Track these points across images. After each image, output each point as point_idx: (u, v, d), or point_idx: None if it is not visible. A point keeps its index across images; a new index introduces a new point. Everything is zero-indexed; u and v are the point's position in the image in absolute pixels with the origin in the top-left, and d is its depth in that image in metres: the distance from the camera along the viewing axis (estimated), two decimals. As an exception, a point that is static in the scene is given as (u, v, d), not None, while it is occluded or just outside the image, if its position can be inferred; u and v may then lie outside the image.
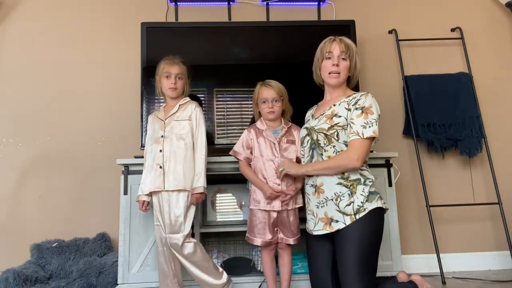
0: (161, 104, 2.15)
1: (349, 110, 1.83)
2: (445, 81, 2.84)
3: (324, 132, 1.83)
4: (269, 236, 1.98)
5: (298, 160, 2.04)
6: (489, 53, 3.01)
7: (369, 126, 1.77)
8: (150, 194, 2.05)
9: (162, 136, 2.04)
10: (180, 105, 2.10)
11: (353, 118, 1.80)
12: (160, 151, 2.01)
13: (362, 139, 1.76)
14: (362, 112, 1.79)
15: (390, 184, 2.42)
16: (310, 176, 1.89)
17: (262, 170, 2.02)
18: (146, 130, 2.45)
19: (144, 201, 2.05)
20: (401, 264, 2.35)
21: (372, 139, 1.79)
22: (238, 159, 2.12)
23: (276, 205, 1.97)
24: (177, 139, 2.02)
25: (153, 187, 2.00)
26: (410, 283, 1.86)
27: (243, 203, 2.57)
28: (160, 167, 2.00)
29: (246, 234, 2.05)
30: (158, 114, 2.12)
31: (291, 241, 2.01)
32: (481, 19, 3.05)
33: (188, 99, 2.15)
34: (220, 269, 2.05)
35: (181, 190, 1.98)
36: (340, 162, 1.78)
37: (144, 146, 2.49)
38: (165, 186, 1.98)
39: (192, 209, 2.01)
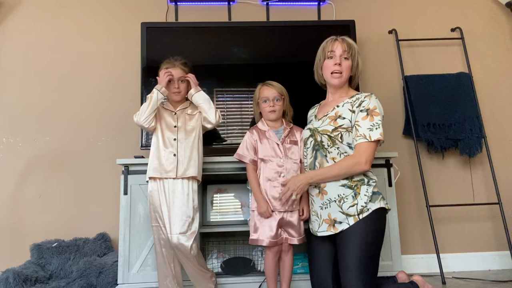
0: (162, 103, 2.17)
1: (353, 112, 1.82)
2: (445, 81, 2.84)
3: (328, 133, 1.83)
4: (275, 236, 1.96)
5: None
6: (489, 53, 3.01)
7: (376, 128, 1.77)
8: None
9: (175, 126, 2.08)
10: (190, 103, 2.16)
11: (358, 120, 1.79)
12: (174, 139, 2.05)
13: (369, 142, 1.76)
14: (367, 114, 1.79)
15: (390, 184, 2.42)
16: None
17: (264, 172, 2.02)
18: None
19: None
20: (401, 264, 2.35)
21: (378, 141, 1.79)
22: (243, 162, 2.09)
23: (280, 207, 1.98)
24: (191, 130, 2.09)
25: (165, 172, 2.00)
26: (412, 283, 1.86)
27: (244, 202, 2.57)
28: (174, 155, 2.02)
29: (250, 237, 2.01)
30: (164, 106, 2.15)
31: (296, 240, 1.99)
32: (481, 19, 3.05)
33: None
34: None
35: (192, 177, 2.02)
36: (350, 169, 1.77)
37: (144, 146, 2.50)
38: (178, 173, 2.00)
39: (198, 210, 2.03)
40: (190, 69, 2.15)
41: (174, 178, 2.00)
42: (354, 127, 1.80)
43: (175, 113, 2.11)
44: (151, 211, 2.02)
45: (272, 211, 1.97)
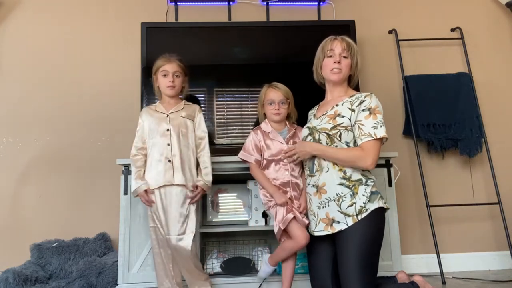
0: (153, 105, 2.16)
1: (353, 110, 1.82)
2: (445, 81, 2.84)
3: (327, 132, 1.83)
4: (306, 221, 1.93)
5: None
6: (489, 53, 3.01)
7: (380, 126, 1.77)
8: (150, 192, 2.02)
9: (168, 130, 2.01)
10: (185, 104, 2.12)
11: (361, 119, 1.79)
12: (168, 144, 1.99)
13: (375, 140, 1.76)
14: (370, 113, 1.79)
15: (390, 184, 2.42)
16: (312, 176, 1.89)
17: (269, 173, 2.02)
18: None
19: (146, 190, 1.96)
20: (401, 264, 2.35)
21: (382, 139, 1.79)
22: (248, 162, 2.09)
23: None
24: (183, 135, 2.03)
25: (163, 181, 1.96)
26: (412, 284, 1.86)
27: (244, 202, 2.57)
28: (169, 160, 1.97)
29: (281, 238, 1.97)
30: (156, 108, 2.09)
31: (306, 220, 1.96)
32: (481, 19, 3.05)
33: (190, 103, 2.16)
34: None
35: (186, 185, 1.98)
36: (354, 161, 1.77)
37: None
38: (175, 180, 1.96)
39: (195, 209, 2.01)
40: (185, 67, 2.11)
41: (171, 185, 1.97)
42: (357, 127, 1.80)
43: (167, 116, 2.06)
44: (149, 211, 2.01)
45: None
